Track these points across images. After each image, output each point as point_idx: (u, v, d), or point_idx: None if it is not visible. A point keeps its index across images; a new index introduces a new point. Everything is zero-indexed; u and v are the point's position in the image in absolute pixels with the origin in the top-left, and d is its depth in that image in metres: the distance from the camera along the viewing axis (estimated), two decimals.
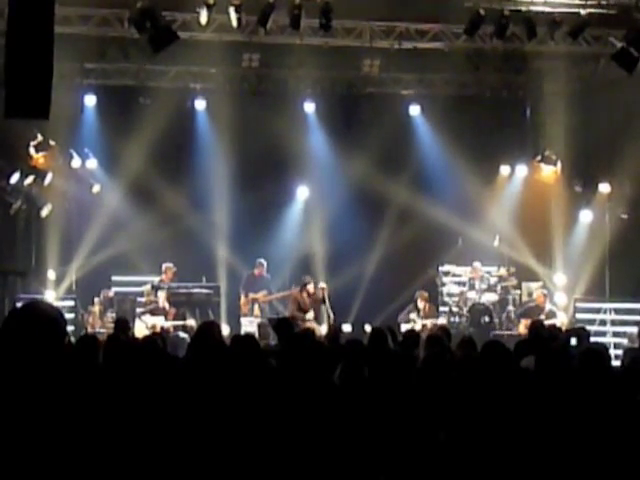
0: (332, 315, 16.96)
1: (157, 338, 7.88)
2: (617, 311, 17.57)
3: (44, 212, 17.66)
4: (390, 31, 16.77)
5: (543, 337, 9.94)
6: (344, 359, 6.16)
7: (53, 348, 3.43)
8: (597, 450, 5.50)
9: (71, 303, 17.15)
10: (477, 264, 18.65)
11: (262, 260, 18.36)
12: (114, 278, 18.21)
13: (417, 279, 18.67)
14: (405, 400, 5.87)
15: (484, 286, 18.44)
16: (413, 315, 17.30)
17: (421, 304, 17.51)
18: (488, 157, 19.14)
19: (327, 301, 17.14)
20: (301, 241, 19.56)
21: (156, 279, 17.56)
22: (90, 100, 18.49)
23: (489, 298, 18.26)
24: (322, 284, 17.40)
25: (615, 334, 17.19)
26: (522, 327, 16.54)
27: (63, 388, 3.44)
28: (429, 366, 6.29)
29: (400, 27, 16.71)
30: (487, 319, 17.81)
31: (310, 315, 16.78)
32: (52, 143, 17.51)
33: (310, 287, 17.05)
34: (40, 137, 17.20)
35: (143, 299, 17.42)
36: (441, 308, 18.43)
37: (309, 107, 19.32)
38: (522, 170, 19.99)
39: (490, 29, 15.73)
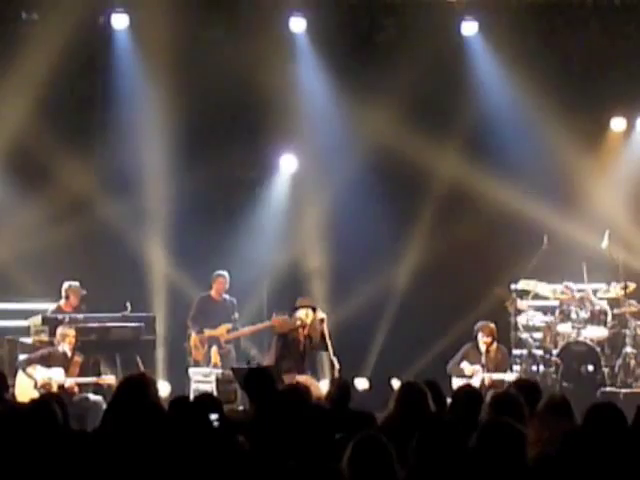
0: (337, 363, 15.08)
1: (52, 402, 7.40)
2: None
3: None
4: None
5: None
6: (358, 437, 5.54)
7: None
8: None
9: None
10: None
11: (222, 272, 16.73)
12: None
13: (475, 304, 16.64)
14: None
15: (586, 314, 16.47)
16: (469, 365, 15.11)
17: (484, 345, 15.32)
18: (590, 103, 17.16)
19: (328, 341, 15.27)
20: (286, 245, 17.73)
21: (52, 307, 16.12)
22: None
23: (594, 334, 16.46)
24: (320, 314, 15.54)
25: None
26: None
27: None
28: (491, 445, 5.53)
29: None
30: (591, 368, 16.18)
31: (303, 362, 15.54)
32: None
33: (303, 313, 15.09)
34: None
35: (29, 340, 15.91)
36: (515, 351, 16.58)
37: (297, 25, 17.37)
38: None
39: None
